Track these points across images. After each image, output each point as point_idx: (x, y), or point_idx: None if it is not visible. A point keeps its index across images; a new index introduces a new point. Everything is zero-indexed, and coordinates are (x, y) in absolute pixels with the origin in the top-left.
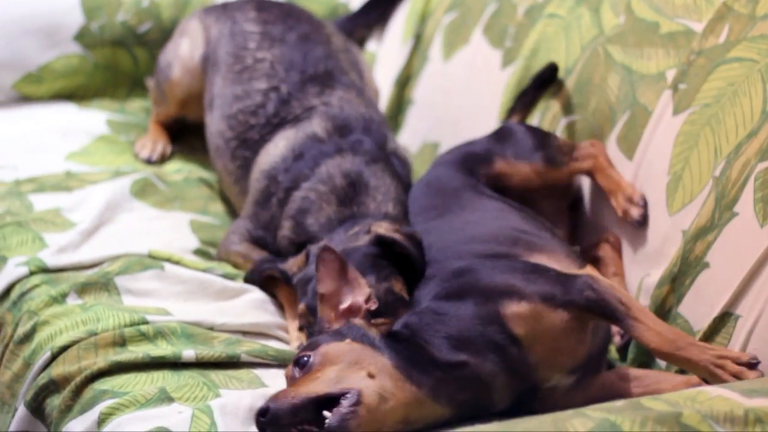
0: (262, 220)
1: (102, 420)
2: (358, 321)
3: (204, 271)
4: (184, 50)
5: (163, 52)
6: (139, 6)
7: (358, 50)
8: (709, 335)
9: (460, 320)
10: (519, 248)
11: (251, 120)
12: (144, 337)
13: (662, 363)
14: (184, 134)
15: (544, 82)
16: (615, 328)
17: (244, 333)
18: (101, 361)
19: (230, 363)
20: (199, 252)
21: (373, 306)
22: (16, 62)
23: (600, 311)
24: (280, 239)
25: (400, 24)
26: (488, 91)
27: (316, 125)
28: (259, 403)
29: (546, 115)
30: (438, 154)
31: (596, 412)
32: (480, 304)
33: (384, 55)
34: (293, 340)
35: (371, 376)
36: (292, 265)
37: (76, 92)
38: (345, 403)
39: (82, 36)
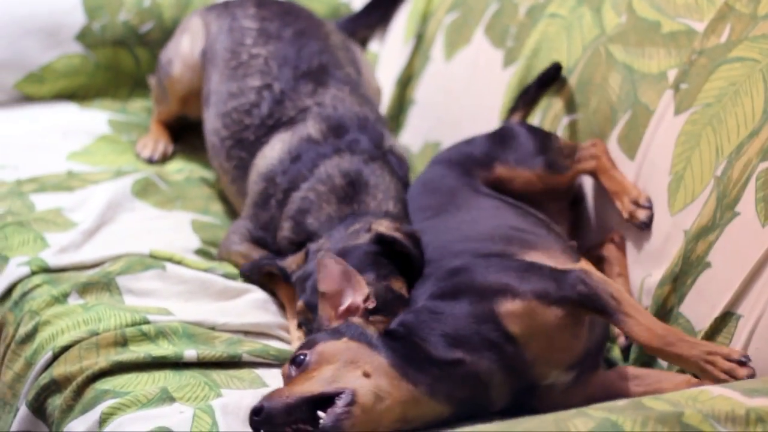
0: (262, 221)
1: (103, 420)
2: (356, 319)
3: (205, 270)
4: (184, 47)
5: (164, 49)
6: (141, 6)
7: (359, 49)
8: (711, 335)
9: (456, 319)
10: (514, 247)
11: (246, 120)
12: (145, 336)
13: (664, 363)
14: (185, 134)
15: (548, 81)
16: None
17: (246, 333)
18: (103, 360)
19: (232, 363)
20: (200, 252)
21: (371, 305)
22: (18, 62)
23: (591, 305)
24: (280, 240)
25: (401, 24)
26: (490, 90)
27: (311, 127)
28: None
29: (547, 114)
30: None
31: (597, 412)
32: (475, 302)
33: (386, 55)
34: (294, 340)
35: (367, 375)
36: (291, 262)
37: (78, 92)
38: (339, 403)
39: (83, 36)
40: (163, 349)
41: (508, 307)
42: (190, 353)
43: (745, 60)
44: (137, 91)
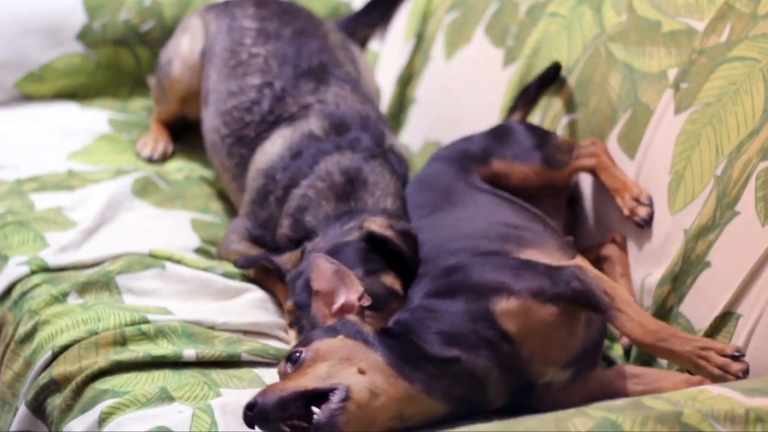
0: (261, 219)
1: (103, 419)
2: (351, 317)
3: (205, 270)
4: (184, 47)
5: (164, 49)
6: (141, 5)
7: (358, 49)
8: (710, 334)
9: (452, 317)
10: (510, 244)
11: (246, 117)
12: (145, 336)
13: (663, 361)
14: (185, 133)
15: (547, 80)
16: None
17: (245, 332)
18: (102, 360)
19: (231, 362)
20: (200, 251)
21: (366, 303)
22: (18, 61)
23: (585, 301)
24: (279, 237)
25: (402, 23)
26: (490, 90)
27: (313, 124)
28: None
29: (547, 114)
30: None
31: (597, 411)
32: (471, 301)
33: (386, 54)
34: (292, 340)
35: (362, 372)
36: (287, 261)
37: (78, 91)
38: (334, 399)
39: (84, 35)
40: (162, 348)
41: (503, 305)
42: (189, 353)
43: (745, 59)
44: (137, 90)
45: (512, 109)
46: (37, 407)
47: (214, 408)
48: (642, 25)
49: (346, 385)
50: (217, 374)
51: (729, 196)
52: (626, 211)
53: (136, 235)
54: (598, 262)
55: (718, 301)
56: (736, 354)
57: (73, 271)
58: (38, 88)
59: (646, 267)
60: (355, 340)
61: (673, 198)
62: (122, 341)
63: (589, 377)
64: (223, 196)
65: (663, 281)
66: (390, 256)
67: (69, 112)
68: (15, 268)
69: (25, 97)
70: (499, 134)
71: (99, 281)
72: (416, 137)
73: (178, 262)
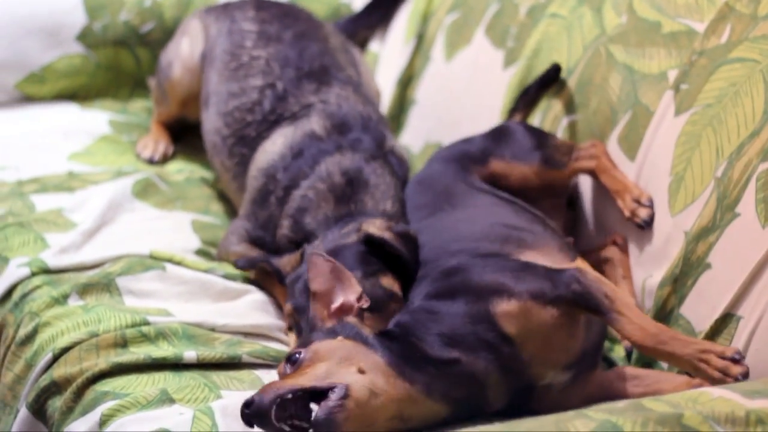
0: (261, 220)
1: (103, 421)
2: (351, 319)
3: (205, 271)
4: (184, 49)
5: (164, 51)
6: (142, 6)
7: (359, 52)
8: (711, 336)
9: (452, 318)
10: (510, 246)
11: (248, 117)
12: (145, 338)
13: (664, 364)
14: (185, 134)
15: (548, 81)
16: None
17: (246, 334)
18: (102, 362)
19: (231, 364)
20: (200, 252)
21: (365, 304)
22: (19, 62)
23: (585, 304)
24: (280, 238)
25: (402, 24)
26: (490, 91)
27: (315, 123)
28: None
29: (547, 115)
30: None
31: (598, 413)
32: (471, 302)
33: (386, 56)
34: (292, 343)
35: (362, 371)
36: (286, 263)
37: (79, 92)
38: (333, 397)
39: (84, 36)
40: (163, 350)
41: (503, 307)
42: (189, 354)
43: (745, 60)
44: (138, 91)
45: (512, 111)
46: (38, 409)
47: (215, 410)
48: (642, 26)
49: (345, 384)
50: (217, 376)
51: (729, 197)
52: (627, 213)
53: (137, 237)
54: (599, 264)
55: (718, 302)
56: (737, 357)
57: (74, 273)
58: (39, 89)
59: (647, 269)
60: (354, 341)
61: (674, 200)
62: (123, 343)
63: (589, 379)
64: (223, 197)
65: (663, 283)
66: (389, 258)
67: (69, 113)
68: (15, 270)
69: (26, 98)
70: (498, 135)
71: (99, 283)
72: (416, 138)
73: (179, 263)
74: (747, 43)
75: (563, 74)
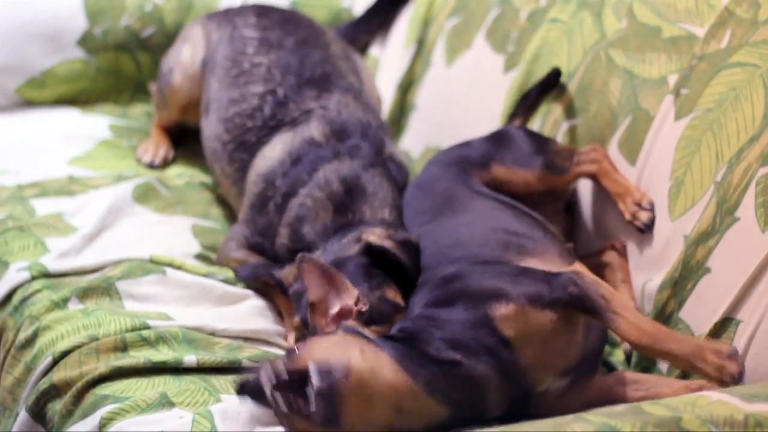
0: (260, 226)
1: (103, 425)
2: (350, 322)
3: (205, 276)
4: (185, 56)
5: (165, 57)
6: (143, 11)
7: (360, 58)
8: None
9: (453, 325)
10: (510, 253)
11: (248, 123)
12: (145, 342)
13: (663, 367)
14: (186, 139)
15: (548, 86)
16: None
17: (245, 339)
18: (102, 366)
19: (231, 368)
20: (200, 257)
21: (364, 307)
22: (20, 67)
23: (582, 306)
24: (278, 247)
25: (402, 29)
26: (491, 95)
27: (314, 129)
28: (260, 408)
29: (547, 120)
30: None
31: (596, 417)
32: (470, 308)
33: (387, 60)
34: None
35: (364, 353)
36: (287, 274)
37: (79, 97)
38: (335, 368)
39: (85, 41)
40: (162, 354)
41: (502, 311)
42: (189, 359)
43: (745, 65)
44: (138, 95)
45: (512, 115)
46: (38, 412)
47: (215, 413)
48: (642, 30)
49: (347, 358)
50: (217, 380)
51: (729, 201)
52: (628, 216)
53: (137, 241)
54: (599, 268)
55: (717, 306)
56: (733, 354)
57: (74, 277)
58: (39, 93)
59: (646, 273)
60: (355, 336)
61: (674, 204)
62: (123, 347)
63: (588, 384)
64: (223, 201)
65: (663, 287)
66: (390, 267)
67: (70, 117)
68: (16, 274)
69: (27, 102)
70: (498, 140)
71: (100, 287)
72: (417, 143)
73: (179, 267)
74: (747, 48)
75: (563, 79)
